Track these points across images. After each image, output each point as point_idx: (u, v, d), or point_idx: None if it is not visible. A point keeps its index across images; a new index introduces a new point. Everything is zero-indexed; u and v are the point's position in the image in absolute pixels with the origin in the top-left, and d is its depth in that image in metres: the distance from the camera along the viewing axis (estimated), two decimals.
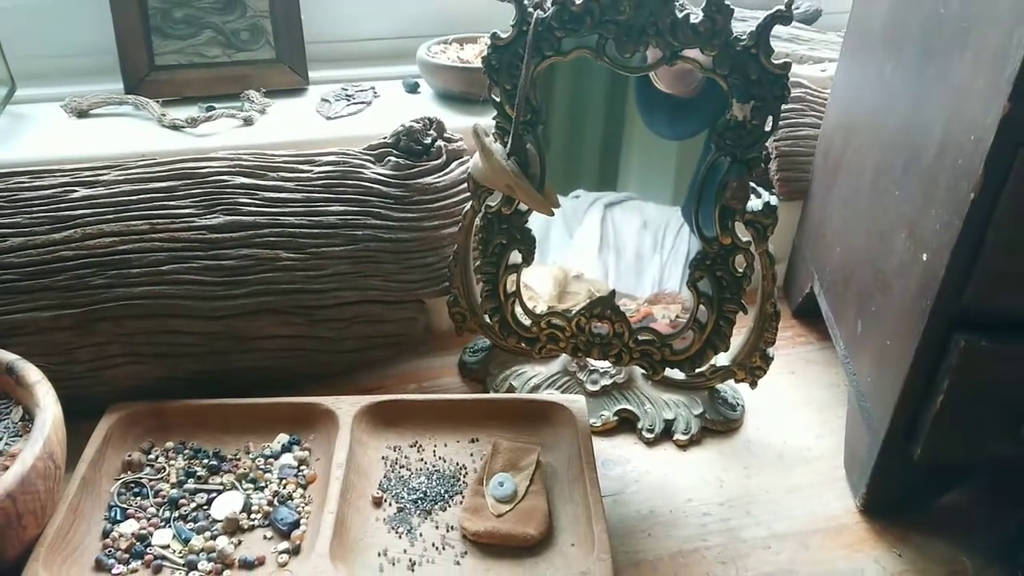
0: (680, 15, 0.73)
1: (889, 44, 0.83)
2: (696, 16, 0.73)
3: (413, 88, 1.13)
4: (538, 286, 1.04)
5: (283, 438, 0.84)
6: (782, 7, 0.72)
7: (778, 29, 1.24)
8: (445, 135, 0.96)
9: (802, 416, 0.93)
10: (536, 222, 0.87)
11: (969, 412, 0.70)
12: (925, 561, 0.76)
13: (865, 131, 0.87)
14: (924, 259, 0.69)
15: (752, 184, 0.79)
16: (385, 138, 0.95)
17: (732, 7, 0.73)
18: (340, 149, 0.94)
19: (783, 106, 1.02)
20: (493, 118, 0.82)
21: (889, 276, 0.76)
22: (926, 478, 0.78)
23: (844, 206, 0.91)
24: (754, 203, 0.79)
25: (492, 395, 0.92)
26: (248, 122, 1.02)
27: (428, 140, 0.95)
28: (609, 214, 1.11)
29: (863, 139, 0.87)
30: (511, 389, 0.93)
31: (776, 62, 0.73)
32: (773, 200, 0.79)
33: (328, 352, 0.93)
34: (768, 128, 0.76)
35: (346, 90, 1.11)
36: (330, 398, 0.86)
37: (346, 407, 0.85)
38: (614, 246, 1.09)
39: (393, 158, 0.93)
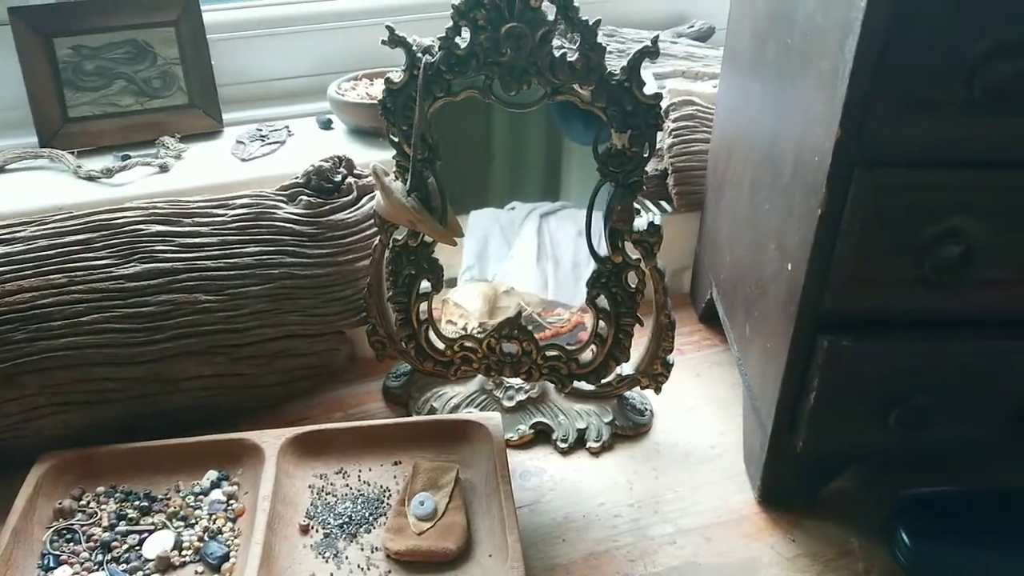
0: (557, 55, 0.79)
1: (754, 67, 0.90)
2: (572, 55, 0.79)
3: (326, 125, 1.17)
4: (468, 304, 1.09)
5: (212, 474, 0.88)
6: (649, 43, 0.79)
7: (674, 47, 1.31)
8: (355, 172, 1.01)
9: (707, 416, 0.99)
10: (475, 236, 0.91)
11: (840, 406, 0.76)
12: (817, 544, 0.82)
13: (742, 147, 0.94)
14: (789, 268, 0.75)
15: (638, 205, 0.85)
16: (297, 178, 0.99)
17: (604, 46, 0.79)
18: (253, 191, 0.98)
19: (677, 124, 1.10)
20: (393, 157, 0.86)
21: (765, 283, 0.83)
22: (813, 468, 0.84)
23: (730, 218, 0.97)
24: (639, 223, 0.84)
25: (413, 418, 0.96)
26: (164, 168, 1.05)
27: (338, 178, 0.99)
28: (545, 224, 1.16)
29: (741, 154, 0.94)
30: (432, 410, 0.98)
31: (648, 93, 0.79)
32: (657, 219, 0.85)
33: (253, 388, 0.97)
34: (646, 154, 0.81)
35: (260, 130, 1.14)
36: (256, 433, 0.90)
37: (271, 440, 0.88)
38: (552, 256, 1.14)
39: (305, 197, 0.97)
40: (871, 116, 0.63)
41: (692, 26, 1.36)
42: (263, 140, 1.12)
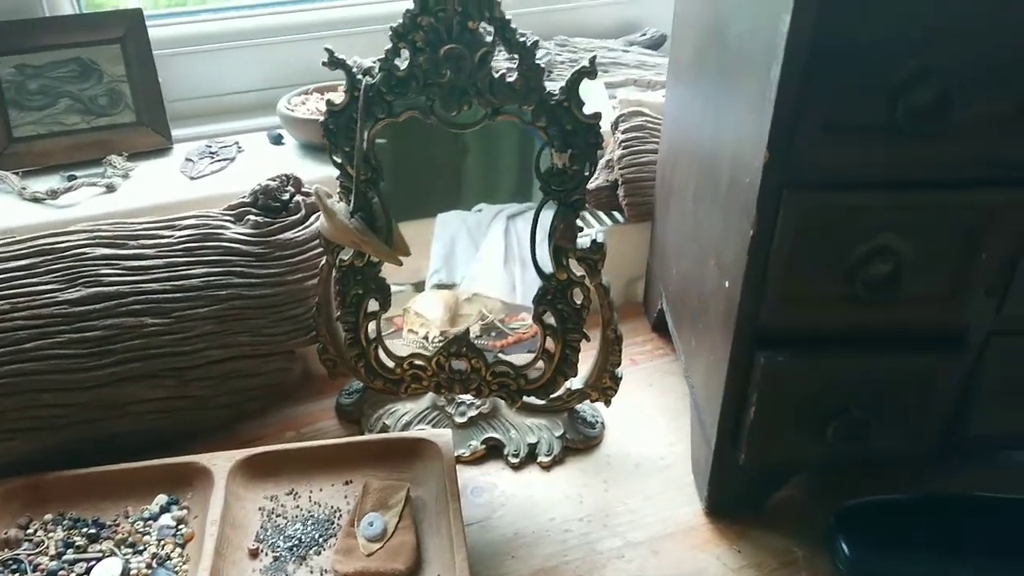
0: (496, 76, 0.79)
1: (695, 80, 0.91)
2: (511, 76, 0.79)
3: (277, 140, 1.17)
4: (429, 312, 1.09)
5: (161, 499, 0.87)
6: (587, 64, 0.79)
7: (624, 56, 1.32)
8: (303, 190, 1.00)
9: (658, 426, 1.00)
10: (442, 239, 0.91)
11: (780, 419, 0.78)
12: (762, 555, 0.84)
13: (686, 158, 0.94)
14: (727, 285, 0.76)
15: (582, 223, 0.86)
16: (244, 197, 0.99)
17: (543, 67, 0.79)
18: (200, 212, 0.98)
19: (627, 135, 1.11)
20: (337, 178, 0.86)
21: (707, 298, 0.84)
22: (757, 479, 0.86)
23: (676, 230, 0.98)
24: (583, 240, 0.85)
25: (364, 437, 0.96)
26: (111, 188, 1.04)
27: (286, 196, 0.99)
28: (512, 225, 1.16)
29: (685, 166, 0.95)
30: (384, 428, 0.98)
31: (587, 113, 0.80)
32: (600, 237, 0.85)
33: (203, 409, 0.96)
34: (587, 173, 0.82)
35: (210, 147, 1.14)
36: (206, 455, 0.89)
37: (221, 463, 0.88)
38: (519, 257, 1.14)
39: (252, 217, 0.97)
40: (798, 139, 0.64)
41: (644, 34, 1.37)
42: (212, 157, 1.11)
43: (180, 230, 0.95)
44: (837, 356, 0.75)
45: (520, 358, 0.94)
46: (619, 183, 1.12)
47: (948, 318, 0.74)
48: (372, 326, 0.92)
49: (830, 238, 0.69)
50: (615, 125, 1.14)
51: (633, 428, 1.00)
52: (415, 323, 1.09)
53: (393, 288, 0.93)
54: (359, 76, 0.82)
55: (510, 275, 1.13)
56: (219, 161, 1.11)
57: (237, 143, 1.15)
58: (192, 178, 1.07)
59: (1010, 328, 0.74)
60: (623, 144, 1.11)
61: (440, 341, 1.02)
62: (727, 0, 0.78)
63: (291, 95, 1.16)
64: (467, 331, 0.92)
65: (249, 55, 1.21)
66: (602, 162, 1.16)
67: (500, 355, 0.97)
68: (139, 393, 0.92)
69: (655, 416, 1.02)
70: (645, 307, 1.19)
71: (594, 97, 1.22)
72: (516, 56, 0.79)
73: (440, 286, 1.13)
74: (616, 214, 1.17)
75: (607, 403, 0.95)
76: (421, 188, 0.87)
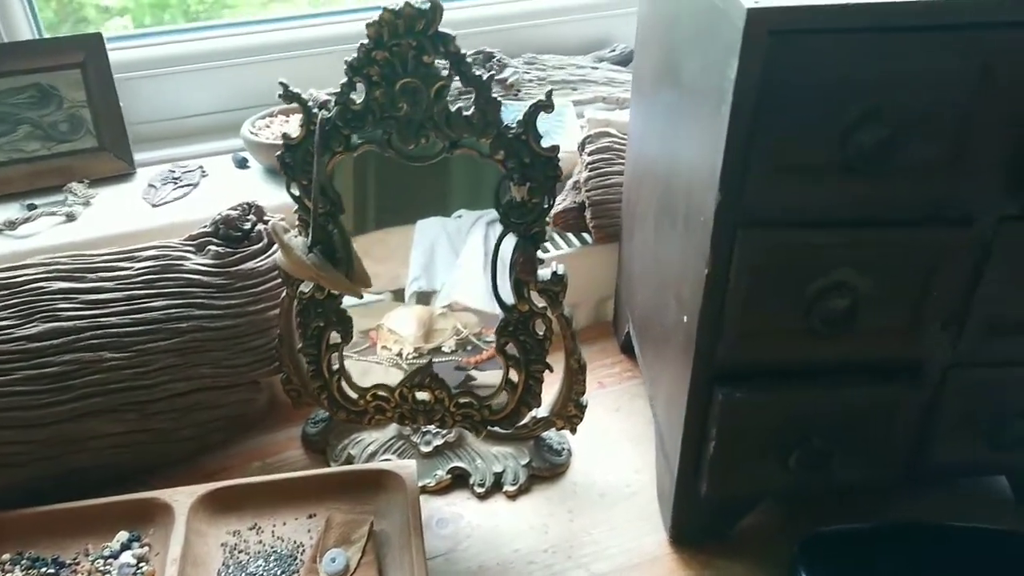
0: (453, 109, 0.79)
1: (654, 106, 0.90)
2: (468, 109, 0.79)
3: (242, 163, 1.16)
4: (402, 329, 1.08)
5: (123, 536, 0.86)
6: (543, 97, 0.79)
7: (593, 73, 1.31)
8: (265, 218, 0.99)
9: (625, 452, 1.00)
10: (421, 246, 0.90)
11: (741, 452, 0.77)
12: None
13: (648, 186, 0.94)
14: (685, 320, 0.76)
15: (546, 247, 0.85)
16: (205, 227, 0.98)
17: (500, 100, 0.79)
18: (160, 242, 0.97)
19: (593, 157, 1.10)
20: (295, 211, 0.86)
21: (668, 330, 0.83)
22: (722, 508, 0.85)
23: (641, 257, 0.98)
24: (544, 272, 0.85)
25: (327, 469, 0.95)
26: (71, 217, 1.03)
27: (247, 225, 0.98)
28: (491, 231, 1.15)
29: (647, 194, 0.94)
30: (350, 458, 0.97)
31: (545, 146, 0.79)
32: (560, 269, 0.85)
33: (166, 442, 0.96)
34: (546, 205, 0.82)
35: (173, 172, 1.13)
36: (167, 491, 0.88)
37: (183, 499, 0.87)
38: (500, 263, 1.13)
39: (213, 247, 0.96)
40: (750, 180, 0.64)
41: (613, 50, 1.36)
42: (176, 183, 1.10)
43: (140, 262, 0.94)
44: (797, 389, 0.75)
45: (493, 375, 0.93)
46: (586, 205, 1.11)
47: (906, 351, 0.74)
48: (335, 357, 0.91)
49: (787, 275, 0.69)
50: (582, 146, 1.13)
51: (599, 454, 0.99)
52: (388, 340, 1.08)
53: (372, 297, 0.92)
54: (315, 109, 0.81)
55: (489, 281, 1.12)
56: (182, 187, 1.10)
57: (201, 167, 1.14)
58: (154, 205, 1.06)
59: (967, 361, 0.74)
60: (589, 166, 1.11)
61: (414, 357, 1.02)
62: (680, 34, 0.77)
63: (255, 118, 1.15)
64: (430, 362, 0.92)
65: (212, 77, 1.20)
66: (569, 183, 1.15)
67: (475, 370, 0.96)
68: (100, 428, 0.91)
69: (622, 441, 1.01)
70: (614, 327, 1.19)
71: (566, 118, 1.22)
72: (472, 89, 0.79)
73: (420, 293, 1.12)
74: (585, 235, 1.16)
75: (573, 431, 0.95)
76: (402, 194, 0.85)
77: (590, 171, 1.11)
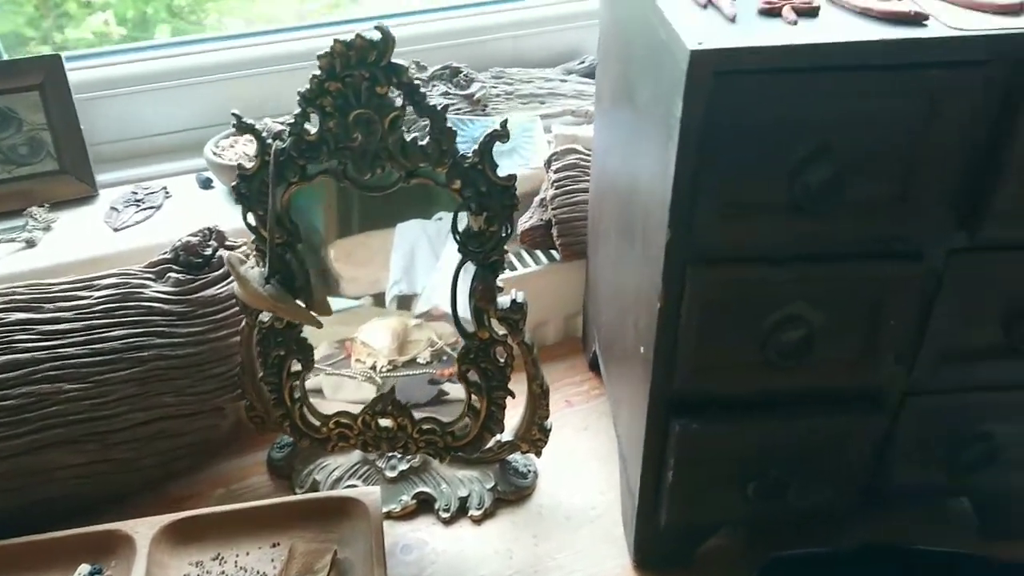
0: (408, 139, 0.78)
1: (616, 121, 0.88)
2: (424, 139, 0.78)
3: (206, 184, 1.15)
4: (376, 341, 1.08)
5: (84, 569, 0.86)
6: (498, 127, 0.78)
7: (562, 86, 1.31)
8: (226, 243, 0.99)
9: (592, 472, 1.00)
10: (401, 249, 0.90)
11: (699, 482, 0.78)
12: None
13: (611, 200, 0.93)
14: (642, 351, 0.75)
15: (502, 283, 0.85)
16: (165, 253, 0.97)
17: (455, 130, 0.78)
18: (119, 270, 0.96)
19: (559, 175, 1.10)
20: (252, 241, 0.85)
21: (628, 354, 0.83)
22: (683, 534, 0.86)
23: (605, 275, 0.98)
24: (503, 300, 0.84)
25: (290, 497, 0.95)
26: (31, 244, 1.02)
27: (208, 251, 0.97)
28: None
29: (609, 209, 0.93)
30: (315, 484, 0.97)
31: (502, 175, 0.79)
32: (520, 297, 0.85)
33: (129, 472, 0.95)
34: (504, 234, 0.81)
35: (136, 194, 1.11)
36: (128, 523, 0.88)
37: (144, 530, 0.87)
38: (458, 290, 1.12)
39: (174, 274, 0.95)
40: (698, 218, 0.63)
41: (583, 62, 1.35)
42: (138, 205, 1.09)
43: (99, 290, 0.93)
44: (754, 420, 0.75)
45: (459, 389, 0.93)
46: (553, 223, 1.11)
47: (862, 381, 0.74)
48: (296, 386, 0.91)
49: (739, 309, 0.69)
50: (548, 163, 1.13)
51: (566, 475, 0.99)
52: (362, 353, 1.07)
53: (351, 303, 0.91)
54: (269, 140, 0.80)
55: (450, 310, 1.12)
56: (145, 209, 1.09)
57: (165, 188, 1.13)
58: (116, 229, 1.05)
59: (922, 389, 0.75)
60: (555, 184, 1.10)
61: (389, 370, 1.01)
62: (634, 58, 0.77)
63: (218, 137, 1.13)
64: (392, 389, 0.91)
65: (175, 95, 1.19)
66: (536, 200, 1.15)
67: (448, 382, 0.95)
68: (61, 459, 0.91)
69: (589, 461, 1.01)
70: (583, 344, 1.19)
71: (534, 133, 1.22)
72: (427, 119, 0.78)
73: (401, 297, 1.12)
74: (553, 252, 1.16)
75: (538, 454, 0.95)
76: (382, 197, 0.85)
77: (556, 189, 1.10)
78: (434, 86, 1.22)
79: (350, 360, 1.04)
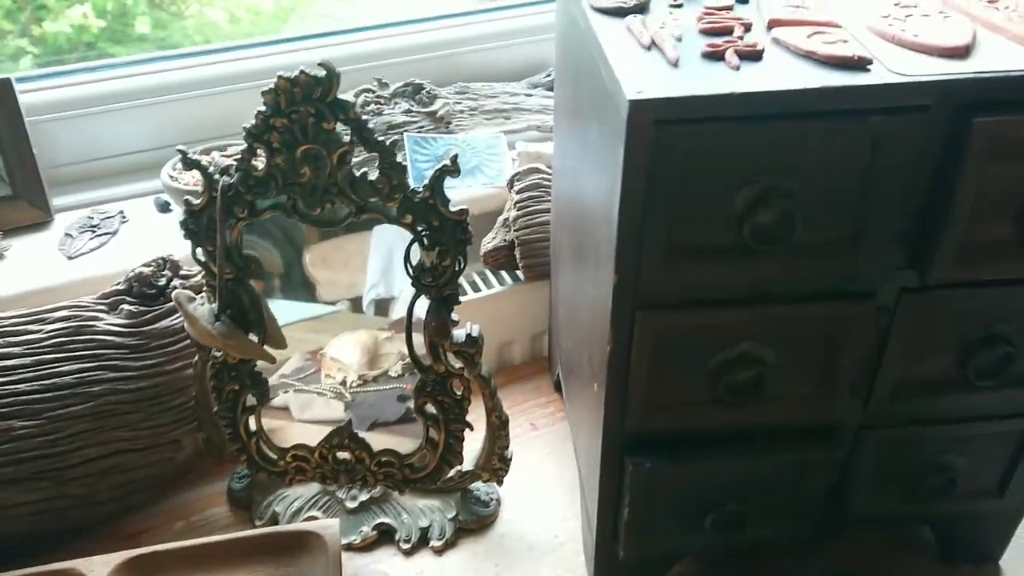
0: (358, 174, 0.77)
1: (571, 142, 0.87)
2: (373, 174, 0.77)
3: (164, 207, 1.13)
4: (345, 357, 1.06)
5: None
6: (448, 162, 0.77)
7: (527, 101, 1.29)
8: (181, 273, 0.97)
9: (555, 499, 0.99)
10: (379, 252, 0.89)
11: (655, 518, 0.77)
12: None
13: (568, 224, 0.91)
14: (595, 388, 0.75)
15: (457, 315, 0.84)
16: (117, 284, 0.95)
17: (404, 164, 0.77)
18: (71, 302, 0.94)
19: (521, 195, 1.08)
20: (202, 277, 0.84)
21: (585, 388, 0.82)
22: (642, 566, 0.85)
23: (565, 302, 0.97)
24: (458, 334, 0.83)
25: (247, 532, 0.93)
26: None
27: (162, 282, 0.95)
28: None
29: (567, 232, 0.92)
30: (275, 515, 0.96)
31: (453, 209, 0.78)
32: (475, 331, 0.83)
33: (85, 507, 0.94)
34: (457, 268, 0.80)
35: (91, 219, 1.09)
36: (82, 561, 0.86)
37: (99, 568, 0.85)
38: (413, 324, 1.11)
39: (127, 306, 0.94)
40: (645, 262, 0.62)
41: (549, 75, 1.34)
42: (93, 231, 1.07)
43: (50, 324, 0.92)
44: (709, 456, 0.74)
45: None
46: (516, 244, 1.10)
47: (817, 416, 0.73)
48: (251, 420, 0.90)
49: (691, 350, 0.68)
50: (511, 183, 1.11)
51: (529, 502, 0.99)
52: (332, 368, 1.06)
53: (328, 308, 0.91)
54: (216, 176, 0.79)
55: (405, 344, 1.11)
56: (100, 235, 1.07)
57: (122, 212, 1.11)
58: (70, 257, 1.03)
59: (878, 423, 0.74)
60: (518, 204, 1.09)
61: (359, 384, 1.00)
62: (584, 97, 0.75)
63: (175, 160, 1.11)
64: (349, 422, 0.90)
65: (131, 116, 1.16)
66: (500, 220, 1.14)
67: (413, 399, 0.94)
68: (14, 497, 0.89)
69: (552, 487, 1.01)
70: (549, 364, 1.18)
71: (499, 150, 1.20)
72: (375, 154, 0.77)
73: (378, 301, 1.10)
74: (518, 272, 1.15)
75: (499, 483, 0.94)
76: None
77: (519, 209, 1.09)
78: (396, 103, 1.20)
79: (319, 375, 1.02)
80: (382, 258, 1.12)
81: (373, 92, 1.20)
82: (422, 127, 1.20)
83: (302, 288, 0.95)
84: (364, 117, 0.75)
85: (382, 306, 1.05)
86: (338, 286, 1.02)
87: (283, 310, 0.96)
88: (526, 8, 1.34)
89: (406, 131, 1.17)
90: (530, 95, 1.30)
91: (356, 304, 1.03)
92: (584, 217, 0.79)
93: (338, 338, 1.08)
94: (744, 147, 0.58)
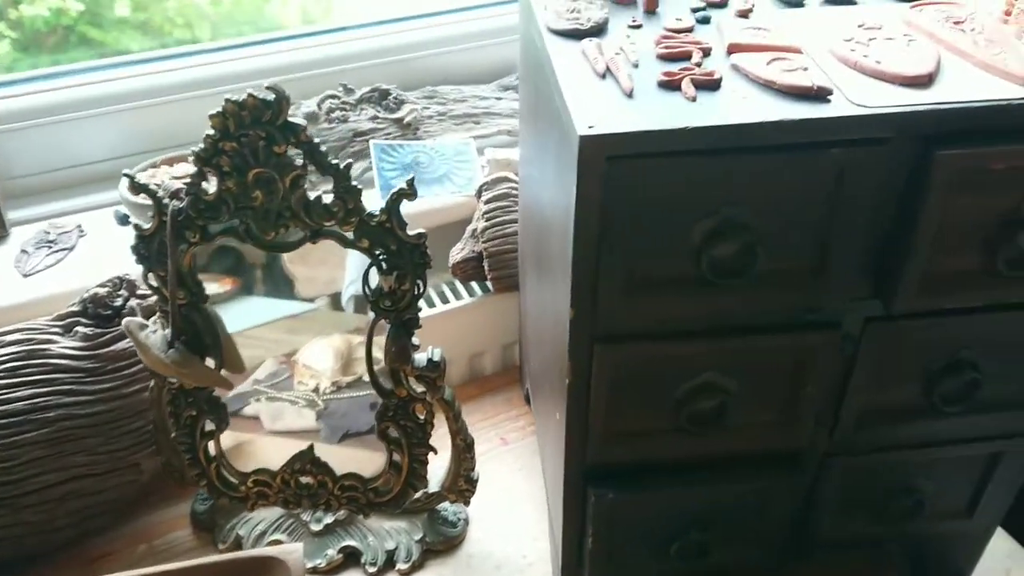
0: (312, 197, 0.75)
1: (533, 150, 0.84)
2: (328, 197, 0.75)
3: (124, 220, 1.10)
4: (318, 363, 1.04)
5: None
6: (404, 185, 0.75)
7: (498, 104, 1.27)
8: (137, 293, 0.94)
9: (525, 516, 0.98)
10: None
11: (619, 546, 0.76)
12: None
13: (531, 242, 0.89)
14: (558, 418, 0.73)
15: (418, 338, 0.82)
16: (72, 306, 0.93)
17: (360, 187, 0.75)
18: (25, 324, 0.91)
19: (490, 205, 1.06)
20: (155, 302, 0.81)
21: (550, 411, 0.81)
22: None
23: (532, 317, 0.95)
24: (419, 358, 0.81)
25: (210, 558, 0.91)
26: None
27: (118, 302, 0.93)
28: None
29: (531, 245, 0.90)
30: (238, 539, 0.94)
31: (411, 232, 0.76)
32: (437, 356, 0.82)
33: (43, 533, 0.92)
34: (417, 292, 0.78)
35: (48, 234, 1.06)
36: None
37: None
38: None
39: (81, 328, 0.91)
40: (601, 296, 0.61)
41: (519, 77, 1.31)
42: (50, 247, 1.04)
43: (2, 348, 0.89)
44: (671, 485, 0.73)
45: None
46: (484, 256, 1.08)
47: (781, 444, 0.72)
48: (211, 445, 0.88)
49: (651, 381, 0.66)
50: (479, 193, 1.09)
51: (499, 519, 0.97)
52: (304, 375, 1.04)
53: (307, 305, 0.90)
54: (166, 200, 0.76)
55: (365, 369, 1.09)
56: (57, 251, 1.04)
57: (79, 226, 1.08)
58: (26, 275, 1.00)
59: (843, 450, 0.73)
60: (486, 215, 1.07)
61: (332, 391, 0.99)
62: (542, 117, 0.73)
63: (136, 170, 1.08)
64: (311, 447, 0.89)
65: (89, 124, 1.13)
66: (468, 230, 1.11)
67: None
68: None
69: (522, 503, 0.99)
70: (520, 376, 1.16)
71: (468, 156, 1.18)
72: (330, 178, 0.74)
73: (357, 298, 1.08)
74: (488, 283, 1.13)
75: (466, 503, 0.93)
76: None
77: (487, 220, 1.07)
78: (362, 109, 1.17)
79: (294, 380, 1.00)
80: (360, 254, 1.10)
81: (338, 98, 1.17)
82: (389, 134, 1.17)
83: (281, 284, 0.93)
84: (316, 140, 0.72)
85: (361, 303, 1.02)
86: (317, 282, 1.00)
87: (261, 308, 0.94)
88: (495, 8, 1.31)
89: (372, 138, 1.15)
90: (500, 99, 1.27)
91: (335, 301, 1.01)
92: (543, 231, 0.77)
93: (311, 344, 1.06)
94: (700, 180, 0.57)
